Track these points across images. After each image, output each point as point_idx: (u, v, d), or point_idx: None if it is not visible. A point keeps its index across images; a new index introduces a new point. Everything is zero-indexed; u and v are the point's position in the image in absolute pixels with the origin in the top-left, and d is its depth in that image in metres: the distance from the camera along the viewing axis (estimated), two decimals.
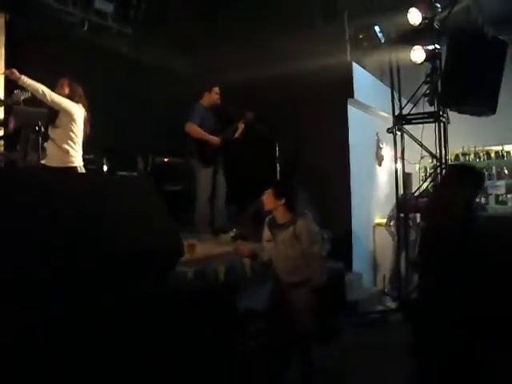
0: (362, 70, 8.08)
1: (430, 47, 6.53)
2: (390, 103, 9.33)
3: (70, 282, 2.64)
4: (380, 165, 9.10)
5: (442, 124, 6.79)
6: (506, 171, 9.82)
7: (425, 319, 4.15)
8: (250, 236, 5.72)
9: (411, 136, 7.04)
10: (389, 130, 7.16)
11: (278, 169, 6.42)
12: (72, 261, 2.67)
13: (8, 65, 6.20)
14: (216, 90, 6.34)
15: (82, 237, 2.78)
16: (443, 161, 6.86)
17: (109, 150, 6.44)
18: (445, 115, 6.78)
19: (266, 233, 4.47)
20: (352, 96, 7.73)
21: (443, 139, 6.83)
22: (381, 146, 9.08)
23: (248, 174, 6.97)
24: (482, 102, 6.36)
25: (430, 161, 10.01)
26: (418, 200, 7.19)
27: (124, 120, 6.72)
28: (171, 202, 6.95)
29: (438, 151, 6.89)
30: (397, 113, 7.18)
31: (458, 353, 3.81)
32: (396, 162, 7.73)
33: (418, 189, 7.40)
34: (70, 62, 6.77)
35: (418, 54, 6.46)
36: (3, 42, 6.32)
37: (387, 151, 9.37)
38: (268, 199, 4.36)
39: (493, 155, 10.06)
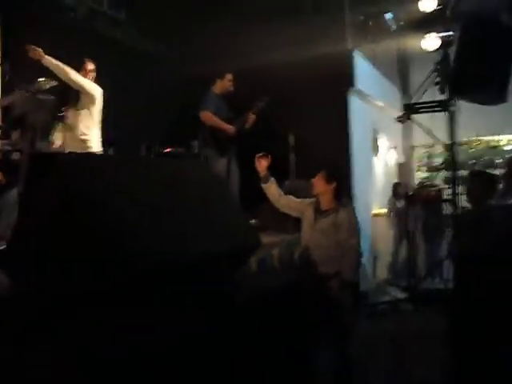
0: (363, 59, 7.99)
1: (442, 34, 6.45)
2: (388, 94, 9.38)
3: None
4: (377, 155, 9.05)
5: (452, 113, 6.74)
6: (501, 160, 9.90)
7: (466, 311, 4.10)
8: (270, 226, 5.55)
9: (420, 125, 6.97)
10: (398, 119, 7.07)
11: (293, 159, 6.25)
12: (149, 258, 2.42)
13: (2, 50, 5.93)
14: (229, 76, 6.12)
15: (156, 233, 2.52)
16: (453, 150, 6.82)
17: (112, 140, 6.17)
18: (455, 104, 6.73)
19: (307, 216, 4.27)
20: (353, 85, 7.63)
21: (452, 128, 6.79)
22: (377, 136, 9.03)
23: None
24: (494, 91, 6.32)
25: (424, 151, 10.13)
26: (427, 190, 7.15)
27: (121, 109, 6.45)
28: None
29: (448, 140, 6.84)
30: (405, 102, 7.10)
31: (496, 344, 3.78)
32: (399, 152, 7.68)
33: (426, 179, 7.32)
34: (65, 48, 6.51)
35: (431, 41, 6.37)
36: None
37: (383, 141, 9.35)
38: (318, 182, 4.19)
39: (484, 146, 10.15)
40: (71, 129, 4.79)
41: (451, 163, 7.01)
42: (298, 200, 4.42)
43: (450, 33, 6.47)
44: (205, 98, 6.00)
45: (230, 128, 5.95)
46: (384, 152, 9.46)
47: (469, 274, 4.06)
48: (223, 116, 6.00)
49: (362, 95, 8.07)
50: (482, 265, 3.89)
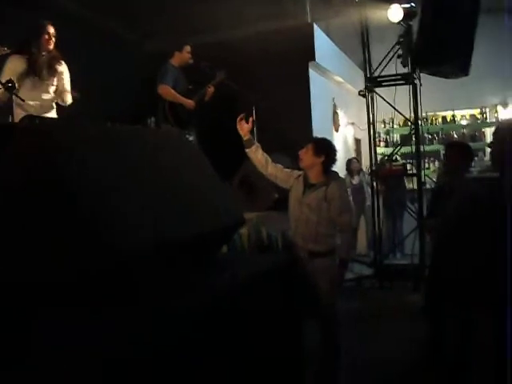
0: (323, 33, 7.81)
1: (405, 6, 6.32)
2: (348, 69, 9.25)
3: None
4: (337, 130, 8.94)
5: (414, 86, 6.65)
6: (456, 136, 9.97)
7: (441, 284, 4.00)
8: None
9: (384, 99, 6.85)
10: (360, 93, 6.94)
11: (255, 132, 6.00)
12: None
13: None
14: (188, 48, 5.82)
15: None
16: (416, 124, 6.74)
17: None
18: (417, 77, 6.64)
19: (295, 190, 4.04)
20: (313, 59, 7.46)
21: (415, 102, 6.70)
22: (337, 111, 8.91)
23: (226, 139, 6.55)
24: (457, 63, 6.26)
25: (383, 126, 10.08)
26: (390, 165, 7.07)
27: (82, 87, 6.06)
28: None
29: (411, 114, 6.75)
30: (368, 75, 6.96)
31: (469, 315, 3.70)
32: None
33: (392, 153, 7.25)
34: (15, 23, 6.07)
35: (395, 12, 6.24)
36: None
37: (342, 117, 9.24)
38: (306, 155, 3.97)
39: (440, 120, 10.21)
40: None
41: (412, 138, 6.94)
42: (287, 170, 4.17)
43: (413, 4, 6.34)
44: (163, 72, 5.69)
45: (189, 102, 5.67)
46: (343, 127, 9.35)
47: (444, 246, 3.98)
48: (182, 89, 5.72)
49: (321, 70, 7.91)
50: (455, 238, 3.79)
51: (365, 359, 4.44)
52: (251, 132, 4.25)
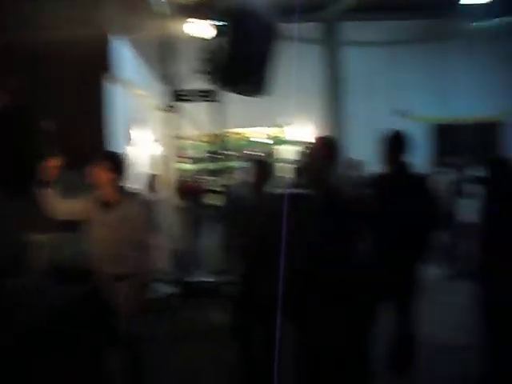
0: (124, 44, 7.54)
1: (215, 23, 6.34)
2: (151, 82, 9.03)
3: None
4: (131, 145, 8.62)
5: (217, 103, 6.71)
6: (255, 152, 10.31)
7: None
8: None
9: (184, 115, 6.79)
10: (163, 107, 6.80)
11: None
12: None
13: None
14: None
15: None
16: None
17: None
18: (220, 93, 6.71)
19: (90, 208, 3.74)
20: (109, 71, 7.15)
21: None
22: (135, 125, 8.61)
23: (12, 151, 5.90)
24: (256, 83, 6.44)
25: (187, 142, 10.03)
26: (189, 182, 7.03)
27: None
28: None
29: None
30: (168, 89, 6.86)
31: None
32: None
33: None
34: None
35: (202, 28, 6.21)
36: None
37: (143, 132, 8.97)
38: (99, 172, 3.66)
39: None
40: None
41: (215, 154, 7.00)
42: (79, 200, 3.83)
43: (221, 23, 6.38)
44: None
45: None
46: (143, 143, 9.07)
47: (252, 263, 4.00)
48: None
49: (120, 82, 7.59)
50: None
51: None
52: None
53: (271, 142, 10.59)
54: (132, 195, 3.83)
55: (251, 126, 10.39)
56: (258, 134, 10.55)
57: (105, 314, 3.61)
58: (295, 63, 8.86)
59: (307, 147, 3.51)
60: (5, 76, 5.37)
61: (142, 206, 3.89)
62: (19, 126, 5.82)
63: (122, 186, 3.77)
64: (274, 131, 10.63)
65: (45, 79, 6.40)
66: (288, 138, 10.50)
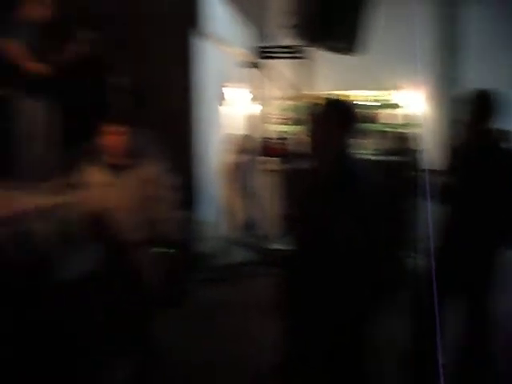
0: None
1: None
2: (244, 38, 8.67)
3: None
4: (223, 104, 8.34)
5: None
6: None
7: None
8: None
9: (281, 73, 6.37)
10: (248, 65, 6.42)
11: (119, 103, 5.39)
12: None
13: None
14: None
15: None
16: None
17: None
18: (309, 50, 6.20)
19: (97, 174, 3.51)
20: (199, 26, 6.86)
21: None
22: (227, 84, 8.31)
23: (82, 108, 5.89)
24: (351, 39, 5.86)
25: (280, 102, 9.59)
26: (274, 143, 6.64)
27: None
28: None
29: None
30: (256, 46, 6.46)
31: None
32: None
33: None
34: None
35: None
36: None
37: (234, 90, 8.65)
38: (113, 136, 3.44)
39: None
40: None
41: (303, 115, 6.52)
42: (92, 180, 3.59)
43: None
44: (7, 23, 4.85)
45: (34, 66, 4.85)
46: (234, 102, 8.76)
47: None
48: (34, 47, 4.91)
49: (210, 38, 7.28)
50: None
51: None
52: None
53: (378, 104, 9.83)
54: (148, 155, 3.53)
55: (356, 89, 9.67)
56: (364, 96, 9.81)
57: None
58: (399, 21, 8.13)
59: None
60: (83, 28, 5.23)
61: (160, 167, 3.56)
62: (95, 78, 5.76)
63: (135, 146, 3.48)
64: (380, 94, 9.85)
65: (126, 36, 6.31)
66: (395, 101, 9.68)
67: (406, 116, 9.21)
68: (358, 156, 3.00)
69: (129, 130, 3.45)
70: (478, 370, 3.70)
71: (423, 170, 4.35)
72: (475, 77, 8.13)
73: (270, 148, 6.74)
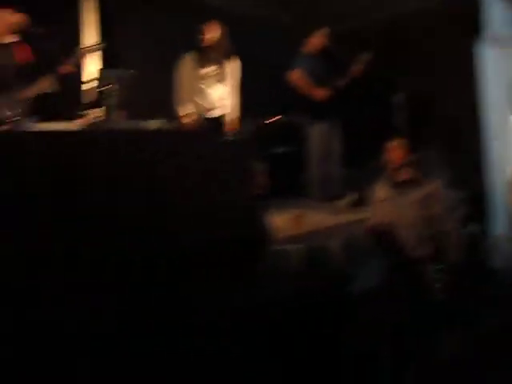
0: None
1: None
2: None
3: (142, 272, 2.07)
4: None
5: None
6: None
7: None
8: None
9: None
10: None
11: (400, 119, 5.49)
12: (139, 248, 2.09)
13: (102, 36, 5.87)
14: (323, 32, 5.45)
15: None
16: None
17: None
18: None
19: (382, 191, 3.63)
20: (483, 30, 6.53)
21: None
22: None
23: (365, 126, 6.13)
24: None
25: None
26: None
27: None
28: (279, 165, 6.42)
29: None
30: None
31: None
32: None
33: None
34: (164, 23, 6.32)
35: None
36: (95, 13, 5.90)
37: None
38: (396, 152, 3.55)
39: None
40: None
41: None
42: (378, 195, 3.77)
43: None
44: (297, 57, 5.41)
45: (319, 92, 5.28)
46: None
47: None
48: (318, 76, 5.37)
49: (496, 41, 6.88)
50: None
51: None
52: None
53: None
54: (434, 174, 3.52)
55: None
56: None
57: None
58: None
59: None
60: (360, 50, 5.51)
61: (444, 186, 3.49)
62: (373, 96, 5.95)
63: (420, 165, 3.49)
64: None
65: (408, 50, 6.37)
66: None
67: None
68: None
69: (412, 145, 3.52)
70: None
71: None
72: None
73: None
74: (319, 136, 5.37)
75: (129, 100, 4.70)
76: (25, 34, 4.08)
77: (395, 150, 3.56)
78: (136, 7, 6.13)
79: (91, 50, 4.24)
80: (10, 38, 4.05)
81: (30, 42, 4.14)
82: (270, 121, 6.60)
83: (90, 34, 5.80)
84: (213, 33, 4.81)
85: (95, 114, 4.58)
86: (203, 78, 4.84)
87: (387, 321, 3.33)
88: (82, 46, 4.47)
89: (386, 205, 3.59)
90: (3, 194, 2.14)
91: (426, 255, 3.49)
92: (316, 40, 5.45)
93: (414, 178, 3.55)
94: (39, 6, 4.18)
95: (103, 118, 4.58)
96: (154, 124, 5.46)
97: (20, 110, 3.92)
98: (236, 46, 5.16)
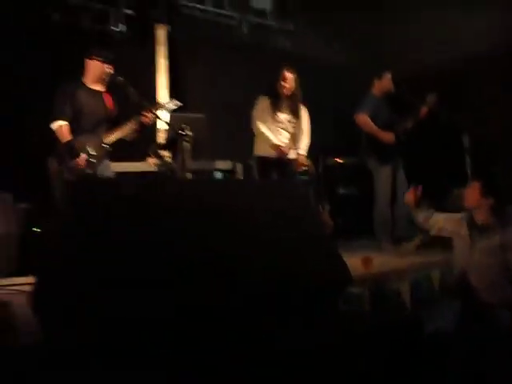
0: None
1: None
2: None
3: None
4: None
5: None
6: None
7: None
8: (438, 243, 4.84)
9: None
10: None
11: (469, 163, 5.43)
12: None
13: (171, 76, 6.16)
14: (388, 76, 5.51)
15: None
16: None
17: None
18: None
19: (462, 229, 3.63)
20: None
21: None
22: None
23: (432, 169, 6.08)
24: None
25: None
26: None
27: None
28: (346, 207, 6.45)
29: None
30: None
31: None
32: None
33: None
34: (234, 66, 6.56)
35: None
36: (165, 53, 6.22)
37: None
38: (471, 195, 3.53)
39: None
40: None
41: None
42: (447, 218, 3.80)
43: None
44: (362, 101, 5.49)
45: (385, 136, 5.32)
46: None
47: None
48: (384, 119, 5.42)
49: None
50: None
51: None
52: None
53: None
54: (509, 220, 3.44)
55: None
56: None
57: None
58: None
59: None
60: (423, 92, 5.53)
61: None
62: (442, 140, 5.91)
63: (497, 211, 3.45)
64: None
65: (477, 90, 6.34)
66: None
67: None
68: None
69: (486, 189, 3.49)
70: None
71: None
72: None
73: None
74: (386, 178, 5.37)
75: (200, 142, 4.93)
76: (109, 84, 4.39)
77: (470, 192, 3.55)
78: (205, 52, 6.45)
79: (169, 107, 4.46)
80: (102, 87, 4.40)
81: (113, 91, 4.44)
82: (337, 162, 6.69)
83: (163, 83, 6.12)
84: (290, 82, 5.08)
85: (166, 155, 4.82)
86: (279, 121, 5.13)
87: (467, 366, 3.26)
88: (160, 102, 4.71)
89: (463, 248, 3.56)
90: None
91: (500, 301, 3.39)
92: (381, 83, 5.51)
93: (488, 223, 3.50)
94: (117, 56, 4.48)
95: (174, 159, 4.82)
96: (221, 165, 5.71)
97: (102, 153, 4.23)
98: (306, 87, 5.38)
